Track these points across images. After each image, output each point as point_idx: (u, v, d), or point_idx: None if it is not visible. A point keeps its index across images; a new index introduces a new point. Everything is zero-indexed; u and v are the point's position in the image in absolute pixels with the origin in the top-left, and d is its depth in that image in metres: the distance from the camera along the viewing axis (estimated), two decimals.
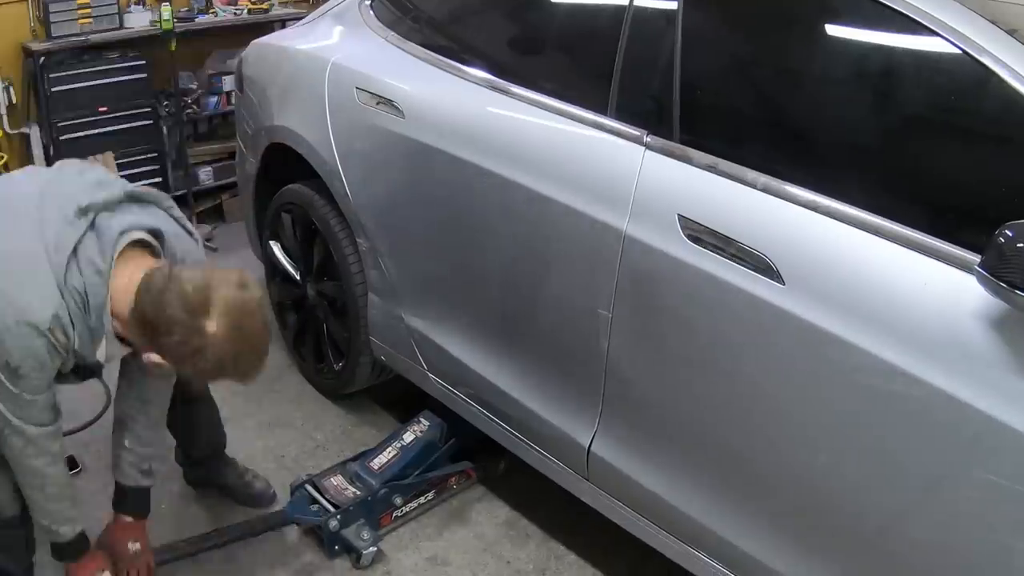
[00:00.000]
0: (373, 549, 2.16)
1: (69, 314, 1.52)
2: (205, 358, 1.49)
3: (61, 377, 1.67)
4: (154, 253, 1.67)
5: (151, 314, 1.50)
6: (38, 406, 1.62)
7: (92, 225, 1.56)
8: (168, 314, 1.48)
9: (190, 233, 1.78)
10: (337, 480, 2.28)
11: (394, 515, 2.29)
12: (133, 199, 1.66)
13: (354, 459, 2.38)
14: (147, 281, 1.53)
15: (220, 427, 2.30)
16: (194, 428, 2.21)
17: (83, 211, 1.55)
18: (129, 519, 1.95)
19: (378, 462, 2.31)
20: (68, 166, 1.75)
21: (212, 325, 1.49)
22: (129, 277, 1.56)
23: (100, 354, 1.62)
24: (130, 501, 1.94)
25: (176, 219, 1.76)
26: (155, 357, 1.55)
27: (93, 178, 1.66)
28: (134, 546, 1.94)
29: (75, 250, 1.52)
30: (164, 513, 2.31)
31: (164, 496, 2.36)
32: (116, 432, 1.92)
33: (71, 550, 1.85)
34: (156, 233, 1.66)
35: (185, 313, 1.48)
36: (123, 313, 1.57)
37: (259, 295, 1.58)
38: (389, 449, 2.34)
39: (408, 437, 2.36)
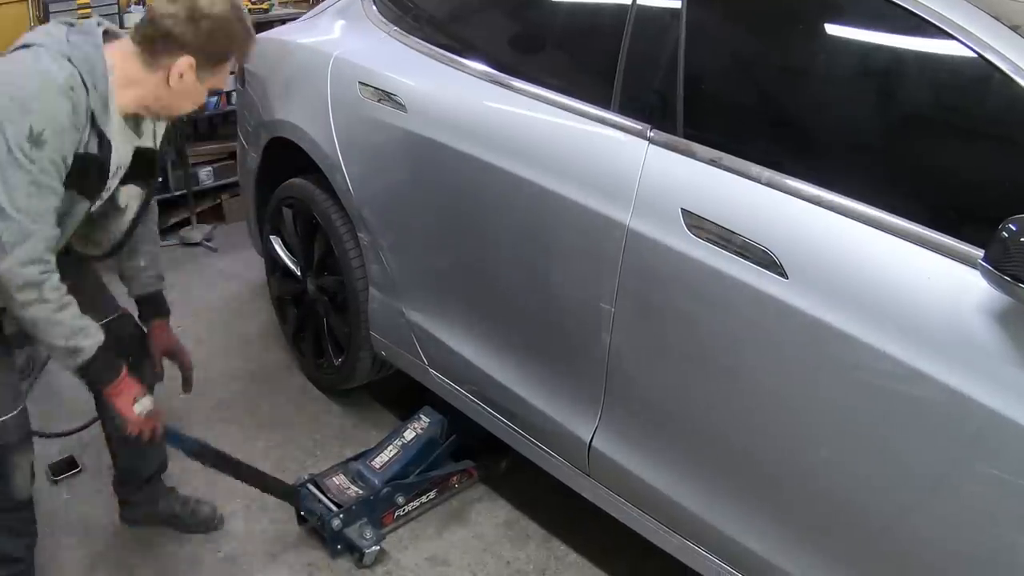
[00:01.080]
0: (376, 548, 2.15)
1: (82, 78, 1.60)
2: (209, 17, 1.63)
3: (72, 187, 1.65)
4: None
5: (149, 16, 1.64)
6: (44, 190, 1.58)
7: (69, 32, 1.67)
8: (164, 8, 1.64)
9: None
10: (339, 479, 2.27)
11: (396, 514, 2.28)
12: None
13: (355, 458, 2.37)
14: None
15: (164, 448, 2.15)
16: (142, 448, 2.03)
17: (59, 24, 1.68)
18: (161, 320, 2.06)
19: (380, 461, 2.30)
20: None
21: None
22: (121, 53, 1.67)
23: (112, 127, 1.67)
24: (159, 305, 2.07)
25: None
26: (181, 63, 1.63)
27: None
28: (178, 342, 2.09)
29: (66, 38, 1.63)
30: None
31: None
32: (127, 260, 2.00)
33: (102, 366, 1.72)
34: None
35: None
36: (127, 72, 1.67)
37: None
38: (390, 447, 2.33)
39: (409, 435, 2.36)
